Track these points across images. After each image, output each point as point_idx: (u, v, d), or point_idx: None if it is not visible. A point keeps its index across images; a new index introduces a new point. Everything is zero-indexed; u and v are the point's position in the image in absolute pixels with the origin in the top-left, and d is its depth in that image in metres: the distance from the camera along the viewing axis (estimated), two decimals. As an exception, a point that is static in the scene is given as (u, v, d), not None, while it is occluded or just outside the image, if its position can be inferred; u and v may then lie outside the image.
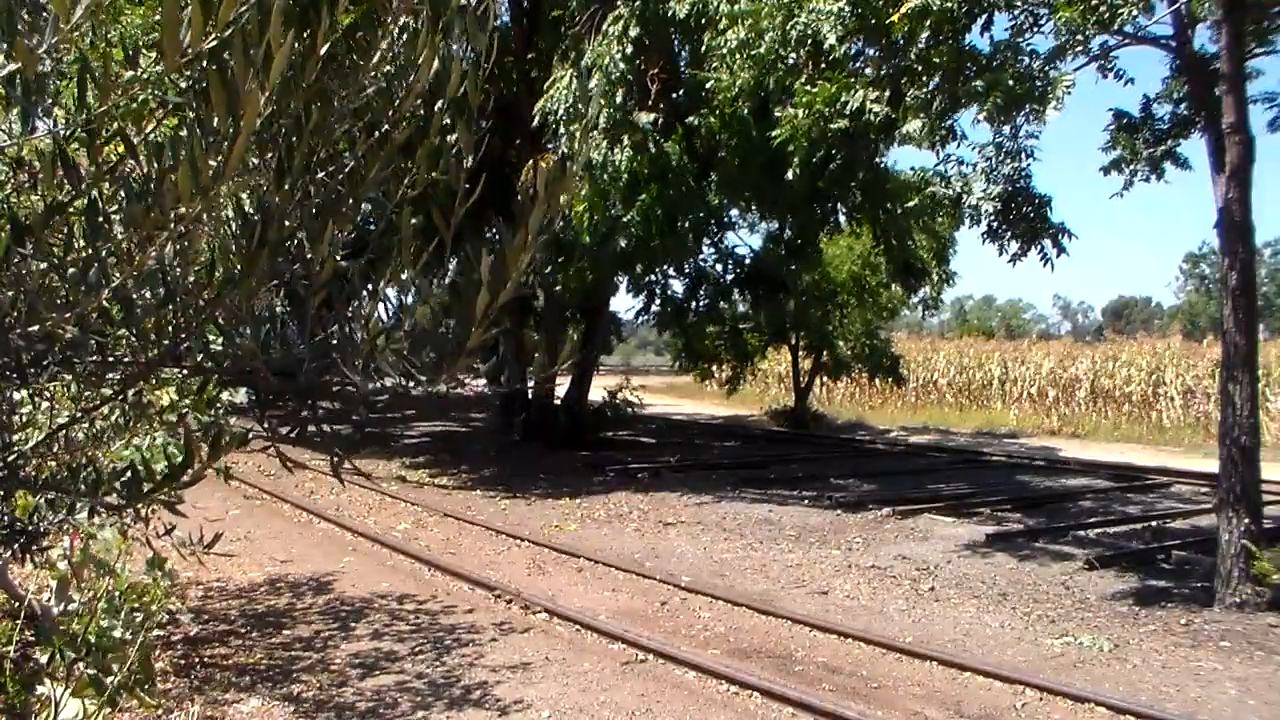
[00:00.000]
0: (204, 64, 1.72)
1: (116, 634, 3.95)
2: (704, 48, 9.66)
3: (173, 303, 1.89)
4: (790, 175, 8.50)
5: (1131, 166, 8.18)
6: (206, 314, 1.91)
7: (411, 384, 1.97)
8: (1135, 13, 6.49)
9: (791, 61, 7.75)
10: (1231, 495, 6.78)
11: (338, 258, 2.02)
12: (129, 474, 2.04)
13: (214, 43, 1.60)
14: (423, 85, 1.98)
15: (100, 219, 1.78)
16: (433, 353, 1.96)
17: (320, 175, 2.02)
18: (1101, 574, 7.72)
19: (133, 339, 1.89)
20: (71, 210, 1.86)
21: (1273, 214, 30.22)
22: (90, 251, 1.77)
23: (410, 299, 2.04)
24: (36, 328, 1.76)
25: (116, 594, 4.31)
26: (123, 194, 1.87)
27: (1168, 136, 8.11)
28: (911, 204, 8.54)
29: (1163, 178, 8.14)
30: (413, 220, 1.97)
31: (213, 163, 1.64)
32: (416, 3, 2.00)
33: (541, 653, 5.60)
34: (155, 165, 1.75)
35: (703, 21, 10.11)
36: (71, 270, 1.77)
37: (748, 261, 17.79)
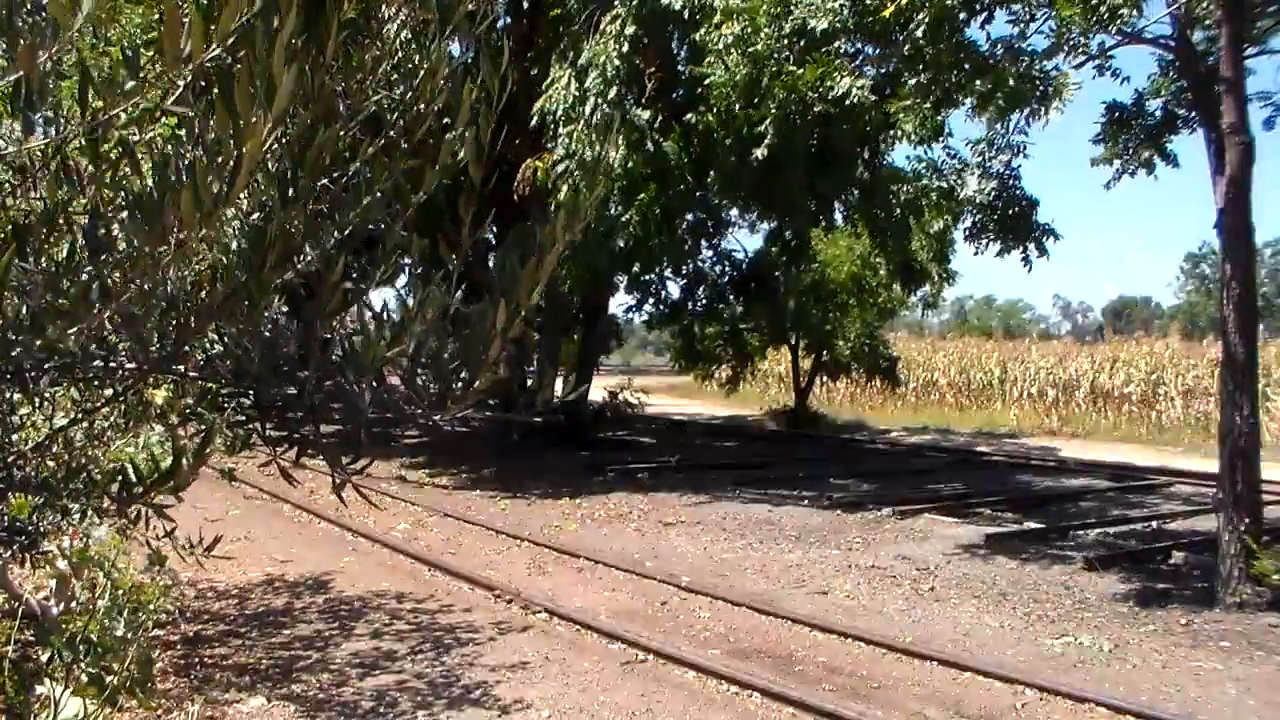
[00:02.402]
0: (207, 65, 1.71)
1: (117, 633, 3.95)
2: (699, 41, 9.62)
3: (174, 307, 1.89)
4: (762, 153, 8.47)
5: (1122, 160, 8.19)
6: (208, 319, 1.91)
7: (416, 409, 1.97)
8: (1134, 9, 6.47)
9: (785, 54, 7.74)
10: (1231, 496, 6.77)
11: (340, 262, 2.02)
12: (121, 477, 2.04)
13: (216, 51, 1.60)
14: (432, 108, 1.98)
15: (102, 231, 1.78)
16: (434, 384, 1.96)
17: (324, 182, 2.02)
18: (1101, 574, 7.71)
19: (134, 345, 1.89)
20: (73, 210, 1.85)
21: (1273, 214, 30.22)
22: (93, 267, 1.76)
23: (413, 318, 2.04)
24: (40, 342, 1.76)
25: (119, 593, 4.31)
26: (124, 201, 1.87)
27: (1159, 133, 8.11)
28: (904, 195, 8.53)
29: (1152, 172, 8.16)
30: (415, 233, 1.97)
31: (215, 188, 1.64)
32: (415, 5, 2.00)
33: (541, 652, 5.60)
34: (157, 182, 1.74)
35: (698, 17, 10.10)
36: (73, 290, 1.77)
37: (744, 265, 17.79)
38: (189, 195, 1.60)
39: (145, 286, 1.75)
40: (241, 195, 2.24)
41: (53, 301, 1.75)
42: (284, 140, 1.87)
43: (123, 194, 1.88)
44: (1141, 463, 15.53)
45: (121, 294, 1.72)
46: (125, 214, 1.82)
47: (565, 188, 10.80)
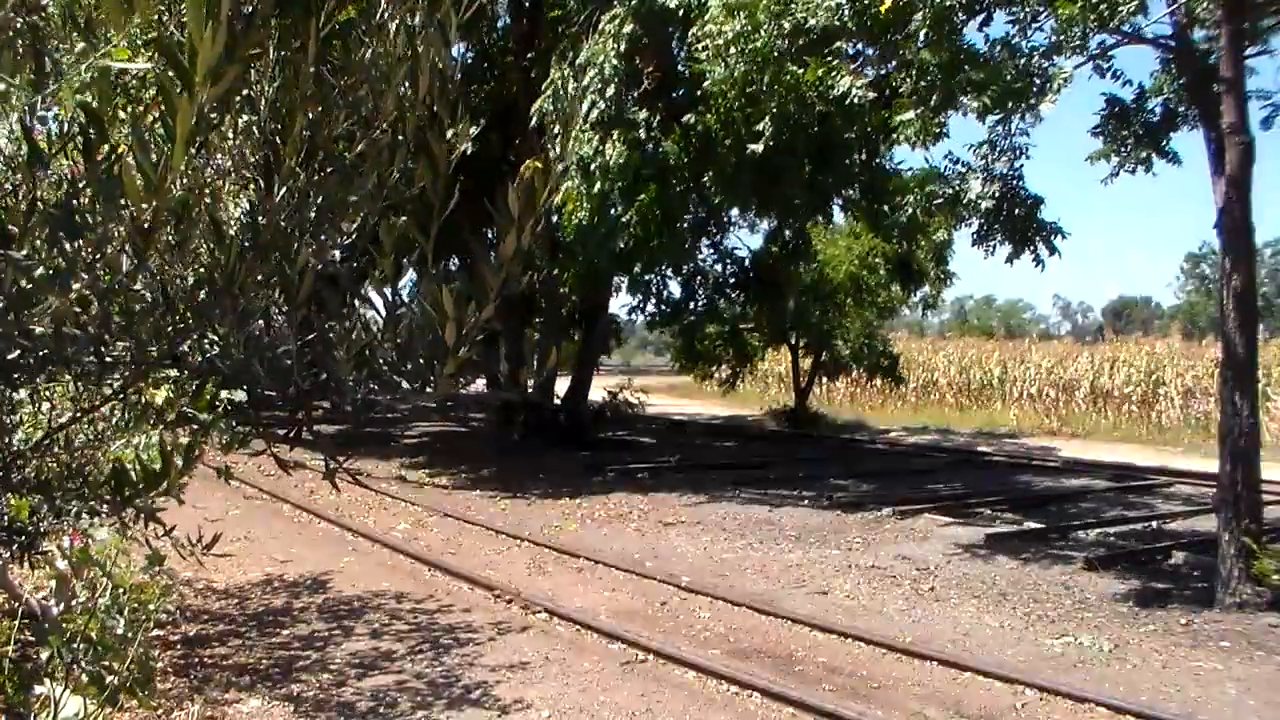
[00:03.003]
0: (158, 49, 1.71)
1: (117, 633, 3.94)
2: (696, 36, 9.61)
3: (170, 305, 1.88)
4: (759, 149, 8.47)
5: (1121, 157, 8.18)
6: (205, 316, 1.91)
7: (399, 395, 1.98)
8: (1134, 9, 6.47)
9: (784, 51, 7.74)
10: (1231, 496, 6.77)
11: (337, 257, 2.02)
12: (116, 480, 2.04)
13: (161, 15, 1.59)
14: (397, 91, 1.99)
15: (75, 217, 1.78)
16: (415, 378, 1.97)
17: (317, 177, 2.02)
18: (1101, 574, 7.71)
19: (129, 343, 1.89)
20: (51, 200, 1.85)
21: (1273, 214, 30.18)
22: (69, 252, 1.76)
23: (398, 310, 2.05)
24: (10, 326, 1.75)
25: (120, 591, 4.31)
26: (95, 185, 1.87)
27: (1158, 130, 8.10)
28: (908, 203, 8.48)
29: (1150, 169, 8.15)
30: (403, 219, 1.98)
31: (155, 160, 1.63)
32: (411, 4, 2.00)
33: (541, 652, 5.60)
34: (106, 161, 1.75)
35: (694, 14, 10.09)
36: (40, 271, 1.76)
37: (746, 264, 17.78)
38: (130, 175, 1.60)
39: (110, 269, 1.75)
40: (240, 197, 2.24)
41: (23, 287, 1.75)
42: (270, 130, 1.88)
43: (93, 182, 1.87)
44: (1141, 463, 15.52)
45: (88, 273, 1.71)
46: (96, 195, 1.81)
47: (565, 187, 10.79)
